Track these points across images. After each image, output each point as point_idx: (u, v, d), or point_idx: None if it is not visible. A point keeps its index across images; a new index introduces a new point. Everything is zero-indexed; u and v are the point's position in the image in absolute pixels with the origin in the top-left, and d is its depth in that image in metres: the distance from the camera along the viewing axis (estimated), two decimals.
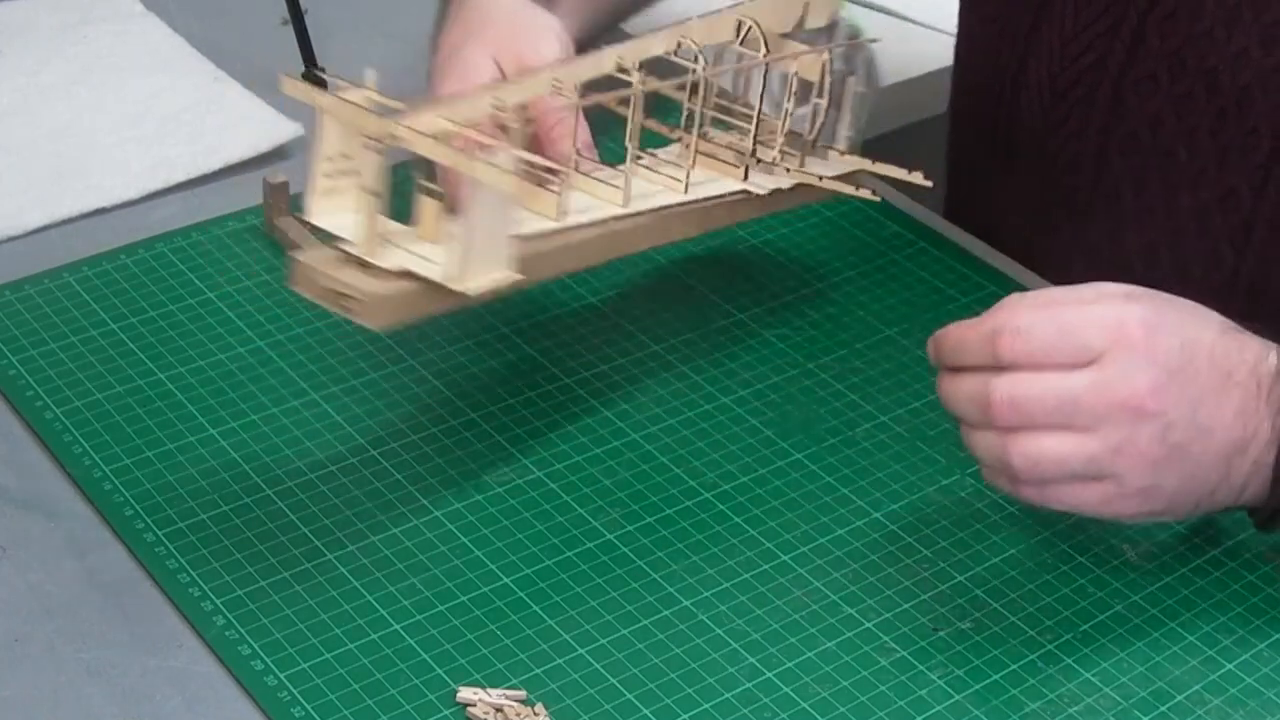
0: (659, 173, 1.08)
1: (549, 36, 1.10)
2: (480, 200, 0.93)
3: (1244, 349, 0.94)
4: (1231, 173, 1.13)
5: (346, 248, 0.94)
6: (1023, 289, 1.20)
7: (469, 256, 0.93)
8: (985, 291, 1.20)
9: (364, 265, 0.93)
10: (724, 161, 1.10)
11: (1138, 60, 1.16)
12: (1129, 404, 0.91)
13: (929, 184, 1.17)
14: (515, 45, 1.09)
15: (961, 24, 1.31)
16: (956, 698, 0.94)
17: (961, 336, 0.95)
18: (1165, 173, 1.16)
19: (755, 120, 1.11)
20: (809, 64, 1.12)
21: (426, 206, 0.96)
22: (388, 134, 0.94)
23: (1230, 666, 0.96)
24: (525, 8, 1.13)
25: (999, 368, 0.92)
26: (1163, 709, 0.94)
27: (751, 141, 1.10)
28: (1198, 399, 0.92)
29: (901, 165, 1.18)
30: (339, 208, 0.97)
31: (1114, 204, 1.19)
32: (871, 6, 1.60)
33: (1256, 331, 0.96)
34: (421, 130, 0.96)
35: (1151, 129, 1.16)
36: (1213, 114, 1.13)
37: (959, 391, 0.94)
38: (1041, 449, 0.92)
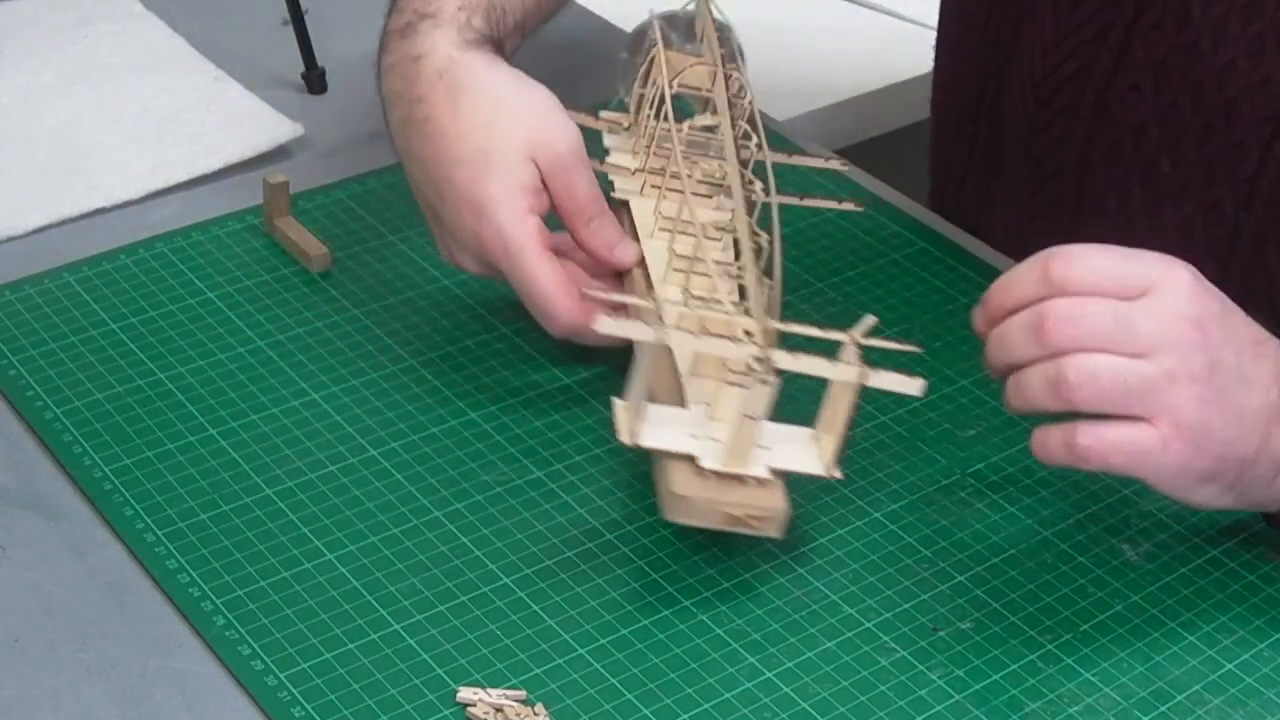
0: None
1: (560, 113, 1.09)
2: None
3: (1268, 336, 0.96)
4: (1216, 186, 1.13)
5: (708, 465, 0.96)
6: None
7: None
8: None
9: (733, 477, 0.96)
10: (673, 190, 1.12)
11: (1123, 69, 1.15)
12: (1182, 326, 0.91)
13: (860, 208, 1.19)
14: (543, 135, 1.07)
15: (941, 21, 1.31)
16: (956, 698, 0.94)
17: (1010, 274, 0.95)
18: (1148, 184, 1.16)
19: (735, 155, 1.11)
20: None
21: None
22: (768, 361, 0.95)
23: (1230, 666, 0.96)
24: (524, 85, 1.10)
25: (1051, 295, 0.92)
26: (1163, 709, 0.94)
27: (727, 170, 1.12)
28: (1240, 348, 0.93)
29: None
30: (659, 421, 0.98)
31: (1098, 213, 1.19)
32: (869, 5, 1.60)
33: None
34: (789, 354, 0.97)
35: (1135, 139, 1.16)
36: (1199, 126, 1.13)
37: (1012, 329, 0.93)
38: (1097, 363, 0.91)
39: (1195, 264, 1.14)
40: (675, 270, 1.08)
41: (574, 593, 0.98)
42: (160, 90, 1.36)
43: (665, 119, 1.12)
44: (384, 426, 1.08)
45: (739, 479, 0.96)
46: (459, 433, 1.08)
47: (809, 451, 0.99)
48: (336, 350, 1.14)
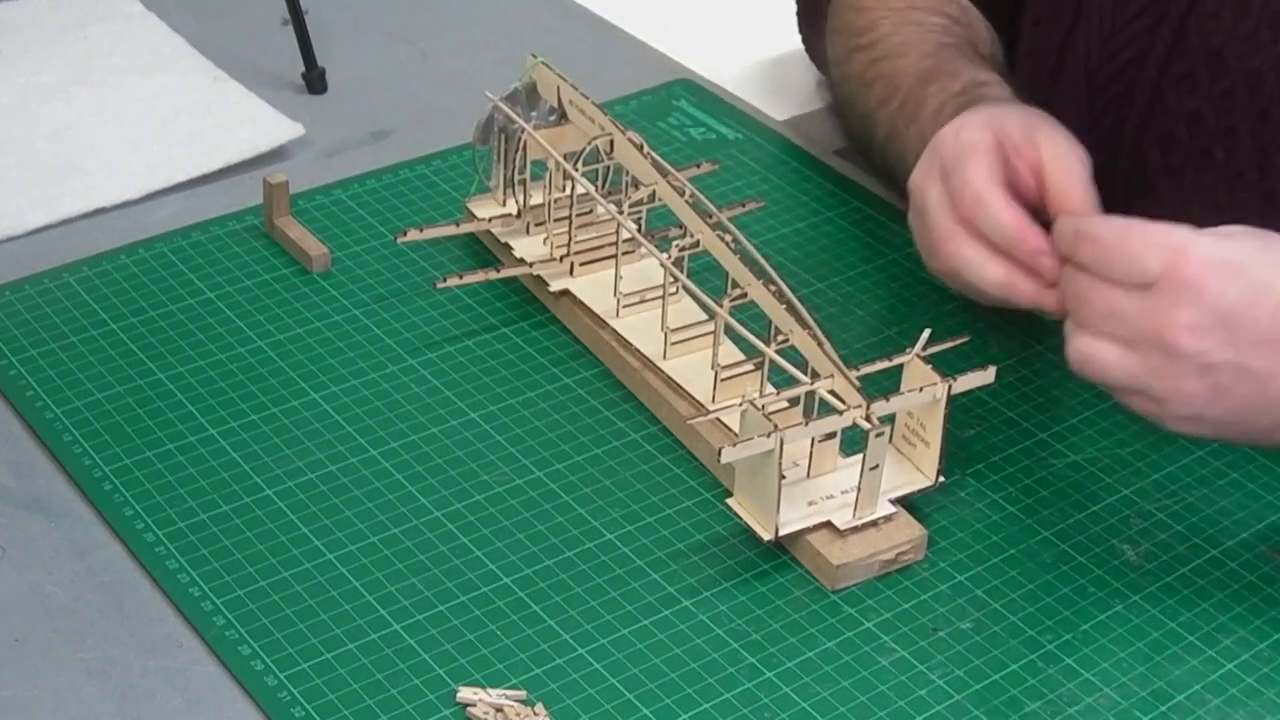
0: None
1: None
2: None
3: None
4: (1271, 175, 1.13)
5: (846, 526, 1.00)
6: None
7: None
8: None
9: (869, 524, 1.01)
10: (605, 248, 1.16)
11: (1177, 58, 1.15)
12: (1164, 336, 0.94)
13: (761, 203, 1.21)
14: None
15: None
16: (956, 698, 0.94)
17: (1060, 228, 1.00)
18: (1202, 171, 1.16)
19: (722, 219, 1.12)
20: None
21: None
22: (873, 415, 0.99)
23: (1230, 666, 0.96)
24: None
25: (1078, 265, 0.97)
26: (1163, 709, 0.94)
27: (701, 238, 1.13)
28: (1251, 346, 0.94)
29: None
30: (794, 504, 1.01)
31: (1149, 195, 1.19)
32: None
33: None
34: None
35: (1189, 127, 1.15)
36: (1254, 115, 1.12)
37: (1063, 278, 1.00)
38: (1091, 352, 0.96)
39: None
40: (680, 342, 1.11)
41: (574, 593, 0.98)
42: (160, 90, 1.36)
43: (600, 197, 1.14)
44: (384, 426, 1.08)
45: (874, 524, 1.00)
46: (459, 433, 1.08)
47: (905, 469, 1.03)
48: (336, 350, 1.14)
